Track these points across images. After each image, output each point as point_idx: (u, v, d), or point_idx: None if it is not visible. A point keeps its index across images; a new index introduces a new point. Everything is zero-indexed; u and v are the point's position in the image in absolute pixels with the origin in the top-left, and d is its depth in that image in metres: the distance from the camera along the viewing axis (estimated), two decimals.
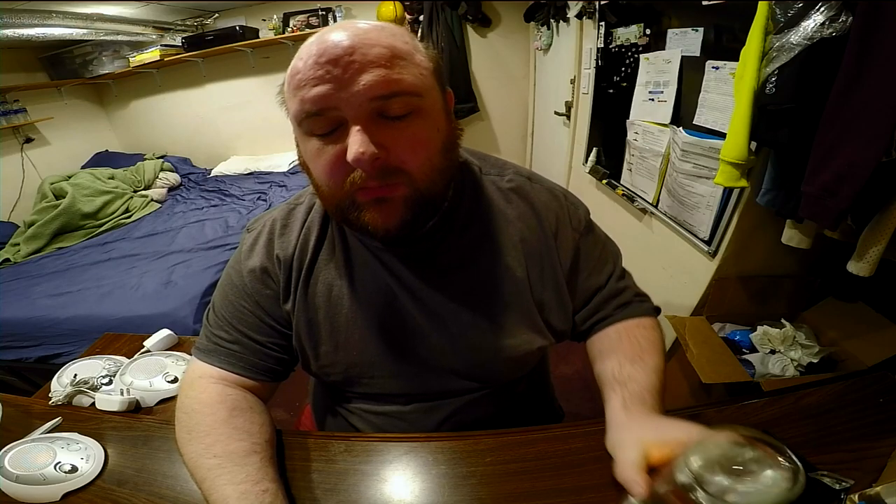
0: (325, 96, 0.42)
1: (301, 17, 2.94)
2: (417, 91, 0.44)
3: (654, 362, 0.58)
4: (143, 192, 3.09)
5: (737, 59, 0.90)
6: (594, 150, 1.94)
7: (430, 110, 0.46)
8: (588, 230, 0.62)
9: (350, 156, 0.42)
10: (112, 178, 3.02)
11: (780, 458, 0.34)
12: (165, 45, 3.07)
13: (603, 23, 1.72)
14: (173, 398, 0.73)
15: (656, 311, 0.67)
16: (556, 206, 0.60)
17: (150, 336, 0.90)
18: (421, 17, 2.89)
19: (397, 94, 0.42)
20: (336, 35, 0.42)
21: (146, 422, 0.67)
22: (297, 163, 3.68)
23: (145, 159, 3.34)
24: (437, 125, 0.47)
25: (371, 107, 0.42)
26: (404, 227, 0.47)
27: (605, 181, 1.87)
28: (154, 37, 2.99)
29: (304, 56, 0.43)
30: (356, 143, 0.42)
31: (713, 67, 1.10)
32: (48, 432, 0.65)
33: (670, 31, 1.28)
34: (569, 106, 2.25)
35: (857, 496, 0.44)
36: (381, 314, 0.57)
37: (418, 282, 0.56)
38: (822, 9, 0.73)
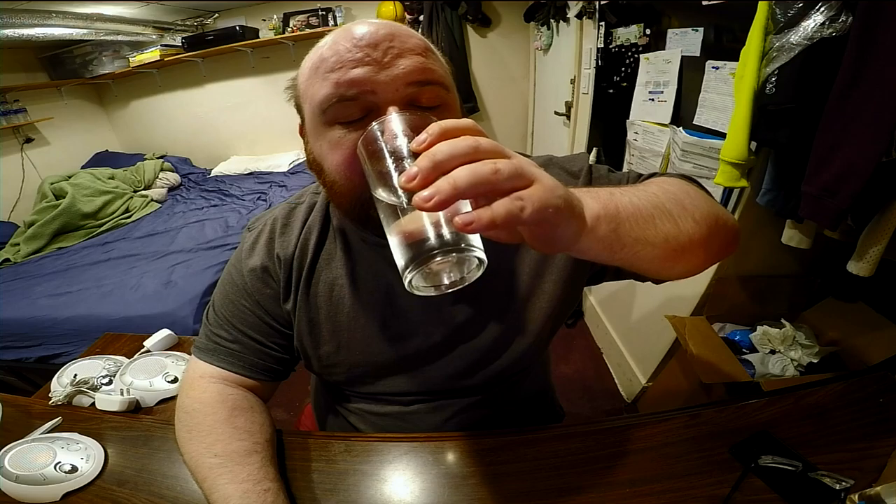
0: (364, 79, 0.42)
1: (301, 17, 2.94)
2: (446, 84, 0.46)
3: (643, 187, 0.45)
4: (143, 192, 3.09)
5: (737, 59, 0.90)
6: (594, 150, 1.94)
7: (454, 106, 0.48)
8: (591, 171, 0.59)
9: None
10: (112, 178, 3.02)
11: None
12: (165, 45, 3.06)
13: (603, 23, 1.71)
14: (173, 398, 0.73)
15: (687, 178, 0.56)
16: (549, 172, 0.59)
17: (150, 336, 0.90)
18: (421, 17, 2.88)
19: (432, 82, 0.44)
20: (368, 25, 0.43)
21: (146, 422, 0.68)
22: (297, 162, 3.62)
23: (145, 159, 3.34)
24: None
25: (407, 92, 0.43)
26: None
27: None
28: (154, 37, 2.99)
29: (334, 42, 0.44)
30: None
31: (713, 67, 1.10)
32: (48, 432, 0.65)
33: (670, 31, 1.28)
34: (569, 106, 2.24)
35: (857, 496, 0.44)
36: (384, 314, 0.57)
37: None
38: (822, 9, 0.73)
